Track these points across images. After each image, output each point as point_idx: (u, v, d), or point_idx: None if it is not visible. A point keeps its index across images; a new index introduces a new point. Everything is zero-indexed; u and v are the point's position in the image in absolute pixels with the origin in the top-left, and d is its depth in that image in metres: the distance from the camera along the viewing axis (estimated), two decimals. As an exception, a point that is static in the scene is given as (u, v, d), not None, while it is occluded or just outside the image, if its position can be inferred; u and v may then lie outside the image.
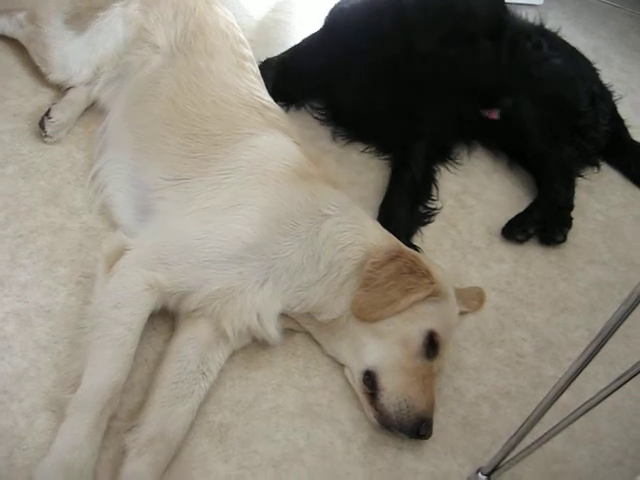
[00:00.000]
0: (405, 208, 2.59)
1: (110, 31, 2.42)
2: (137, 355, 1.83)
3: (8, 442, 1.71)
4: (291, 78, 2.85)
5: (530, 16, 3.15)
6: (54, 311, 1.99)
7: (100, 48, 2.43)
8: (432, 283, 1.98)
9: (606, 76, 3.21)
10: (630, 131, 3.22)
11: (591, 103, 2.98)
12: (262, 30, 3.19)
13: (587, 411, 1.53)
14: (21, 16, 2.58)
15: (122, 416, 1.81)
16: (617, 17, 4.47)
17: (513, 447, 1.71)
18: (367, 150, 2.88)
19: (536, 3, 4.16)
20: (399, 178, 2.69)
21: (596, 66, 3.18)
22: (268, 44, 2.88)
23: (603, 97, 3.08)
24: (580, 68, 3.08)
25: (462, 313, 2.27)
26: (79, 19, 2.51)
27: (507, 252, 2.65)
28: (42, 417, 1.77)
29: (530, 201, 2.82)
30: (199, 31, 2.38)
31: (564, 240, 2.71)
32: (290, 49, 2.98)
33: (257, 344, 2.04)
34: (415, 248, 2.44)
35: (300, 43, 2.97)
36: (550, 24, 3.16)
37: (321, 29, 2.88)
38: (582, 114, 2.95)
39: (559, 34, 3.17)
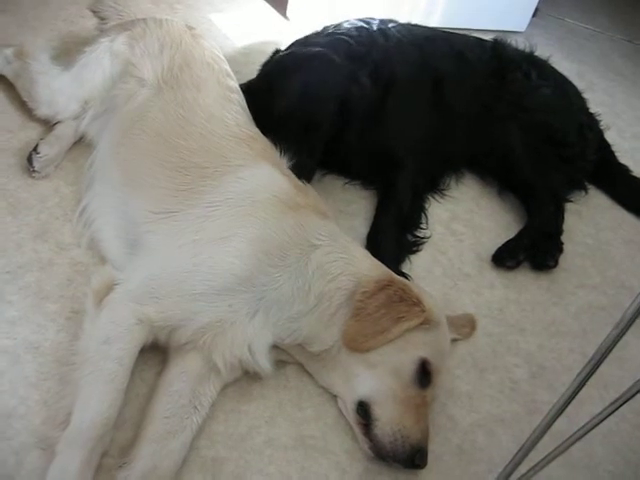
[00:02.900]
0: (392, 238, 2.58)
1: (97, 66, 2.44)
2: (128, 390, 1.81)
3: (-3, 482, 1.69)
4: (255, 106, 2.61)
5: (520, 43, 3.17)
6: (43, 347, 1.97)
7: (87, 83, 2.44)
8: (423, 311, 1.97)
9: (590, 100, 3.24)
10: (616, 154, 3.24)
11: (579, 133, 3.01)
12: (248, 62, 3.20)
13: (582, 436, 1.51)
14: (8, 52, 2.59)
15: (114, 452, 1.79)
16: (599, 41, 4.53)
17: (509, 475, 1.69)
18: (351, 183, 2.87)
19: (519, 30, 4.21)
20: (385, 208, 2.68)
21: (581, 91, 3.20)
22: (254, 76, 2.88)
23: (591, 126, 3.11)
24: (569, 97, 3.10)
25: (454, 340, 2.26)
26: (66, 55, 2.54)
27: (498, 278, 2.65)
28: (32, 455, 1.74)
29: (519, 227, 2.83)
30: (185, 64, 2.39)
31: (555, 265, 2.72)
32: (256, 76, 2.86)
33: (249, 377, 2.02)
34: (405, 276, 2.43)
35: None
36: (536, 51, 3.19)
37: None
38: (570, 144, 2.96)
39: (548, 62, 3.20)
